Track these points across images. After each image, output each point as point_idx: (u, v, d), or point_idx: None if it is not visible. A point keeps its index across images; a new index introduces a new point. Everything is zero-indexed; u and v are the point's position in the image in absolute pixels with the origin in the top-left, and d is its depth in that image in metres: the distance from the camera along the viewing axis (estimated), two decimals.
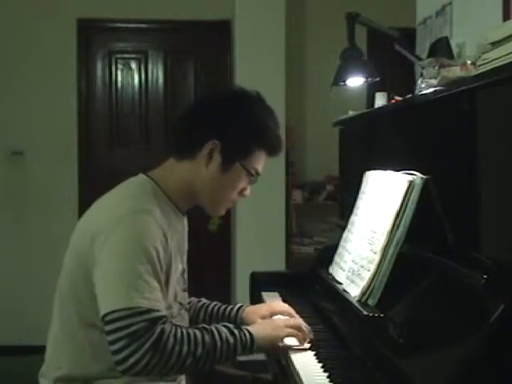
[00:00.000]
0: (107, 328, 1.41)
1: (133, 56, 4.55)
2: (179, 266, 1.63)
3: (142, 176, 1.64)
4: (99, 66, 4.52)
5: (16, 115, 4.37)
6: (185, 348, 1.45)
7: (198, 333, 1.50)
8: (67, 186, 4.37)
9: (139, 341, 1.39)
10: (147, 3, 4.43)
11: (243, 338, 1.54)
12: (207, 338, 1.49)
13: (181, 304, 1.67)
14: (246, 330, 1.57)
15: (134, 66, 4.55)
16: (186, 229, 1.77)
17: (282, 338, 1.62)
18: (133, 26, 4.56)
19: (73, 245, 1.59)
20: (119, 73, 4.54)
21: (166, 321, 1.46)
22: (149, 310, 1.41)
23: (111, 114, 4.51)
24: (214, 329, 1.53)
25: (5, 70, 4.35)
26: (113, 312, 1.41)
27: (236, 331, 1.55)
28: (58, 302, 1.61)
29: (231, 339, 1.52)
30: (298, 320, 1.73)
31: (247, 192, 1.67)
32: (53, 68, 4.37)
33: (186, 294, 1.73)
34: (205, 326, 1.55)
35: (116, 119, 4.52)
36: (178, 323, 1.57)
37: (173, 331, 1.45)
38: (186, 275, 1.71)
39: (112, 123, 4.51)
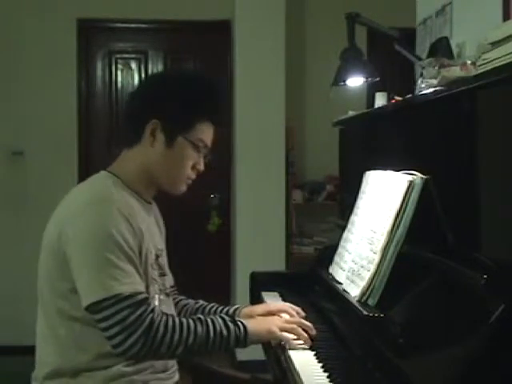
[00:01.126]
0: (95, 317, 1.46)
1: (133, 56, 4.55)
2: (153, 252, 1.64)
3: (102, 172, 1.67)
4: (99, 65, 4.52)
5: (16, 115, 4.37)
6: (176, 337, 1.49)
7: (191, 323, 1.53)
8: (67, 186, 4.34)
9: (130, 328, 1.44)
10: (147, 3, 4.43)
11: (237, 331, 1.57)
12: (200, 328, 1.53)
13: (160, 290, 1.67)
14: (241, 323, 1.59)
15: (134, 66, 4.55)
16: (159, 216, 1.80)
17: (277, 335, 1.63)
18: (133, 25, 4.56)
19: (44, 242, 1.61)
20: (119, 73, 4.54)
21: (154, 307, 1.50)
22: (131, 295, 1.45)
23: (111, 113, 4.51)
24: (208, 320, 1.56)
25: (5, 70, 4.35)
26: (95, 303, 1.45)
27: (231, 324, 1.57)
28: (39, 299, 1.62)
29: (225, 332, 1.55)
30: (296, 319, 1.73)
31: (201, 167, 1.69)
32: (53, 68, 4.37)
33: (165, 278, 1.73)
34: (200, 316, 1.58)
35: (116, 119, 4.51)
36: (159, 307, 1.60)
37: (163, 320, 1.49)
38: (161, 261, 1.71)
39: (112, 123, 4.50)
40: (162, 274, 1.70)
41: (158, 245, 1.72)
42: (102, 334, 1.47)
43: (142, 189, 1.67)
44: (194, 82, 1.71)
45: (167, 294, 1.72)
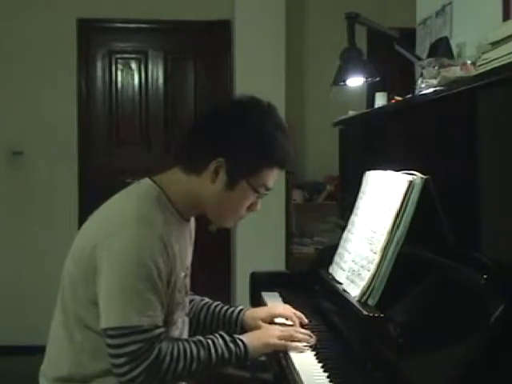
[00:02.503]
0: (108, 341, 1.45)
1: (133, 56, 4.55)
2: (181, 273, 1.63)
3: (147, 181, 1.61)
4: (99, 65, 4.52)
5: (16, 115, 4.37)
6: (180, 365, 1.50)
7: (194, 348, 1.53)
8: (67, 186, 4.37)
9: (137, 361, 1.44)
10: (147, 3, 4.43)
11: (238, 352, 1.57)
12: (203, 353, 1.53)
13: (184, 311, 1.68)
14: (242, 342, 1.59)
15: (134, 66, 4.55)
16: (193, 234, 1.77)
17: (276, 346, 1.63)
18: (133, 25, 4.56)
19: (74, 249, 1.58)
20: (119, 73, 4.54)
21: (165, 337, 1.49)
22: (148, 329, 1.45)
23: (111, 113, 4.51)
24: (210, 343, 1.56)
25: (5, 70, 4.35)
26: (113, 329, 1.44)
27: (231, 345, 1.57)
28: (59, 302, 1.61)
29: (226, 354, 1.56)
30: (295, 328, 1.73)
31: (257, 207, 1.64)
32: (53, 68, 4.37)
33: (188, 298, 1.73)
34: (201, 339, 1.57)
35: (116, 119, 4.52)
36: (181, 330, 1.62)
37: (169, 349, 1.49)
38: (187, 280, 1.71)
39: (112, 123, 4.51)
40: (186, 293, 1.70)
41: (188, 263, 1.70)
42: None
43: (185, 209, 1.62)
44: (267, 123, 1.59)
45: (187, 314, 1.72)
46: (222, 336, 1.59)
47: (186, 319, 1.71)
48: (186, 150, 1.63)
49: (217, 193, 1.57)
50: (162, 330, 1.48)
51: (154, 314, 1.46)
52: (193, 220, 1.75)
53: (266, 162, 1.58)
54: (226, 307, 1.87)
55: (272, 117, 1.62)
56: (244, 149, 1.55)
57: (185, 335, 1.68)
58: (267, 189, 1.61)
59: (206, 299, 1.91)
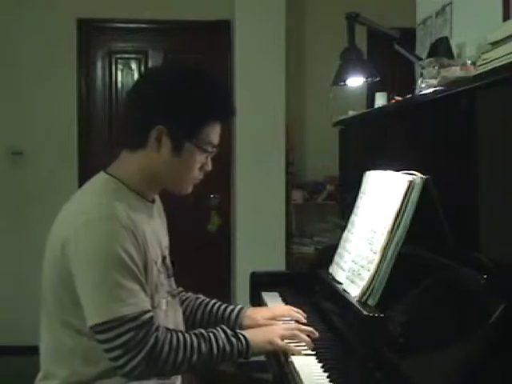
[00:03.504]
0: (98, 337, 1.44)
1: (133, 56, 4.55)
2: (158, 254, 1.61)
3: (102, 174, 1.60)
4: (99, 65, 4.52)
5: (16, 115, 4.37)
6: (180, 355, 1.48)
7: (194, 340, 1.51)
8: (67, 186, 4.36)
9: (133, 351, 1.42)
10: (147, 3, 4.43)
11: (239, 346, 1.56)
12: (203, 346, 1.51)
13: (168, 292, 1.65)
14: (244, 337, 1.58)
15: (134, 66, 4.55)
16: (162, 213, 1.76)
17: (279, 346, 1.62)
18: (133, 26, 4.56)
19: (47, 252, 1.58)
20: (119, 73, 4.54)
21: (158, 326, 1.47)
22: (135, 317, 1.43)
23: (111, 113, 4.50)
24: (211, 336, 1.54)
25: (5, 70, 4.35)
26: (100, 324, 1.42)
27: (233, 339, 1.56)
28: (43, 312, 1.59)
29: (228, 348, 1.54)
30: (297, 326, 1.72)
31: (208, 167, 1.62)
32: (53, 68, 4.37)
33: (172, 279, 1.71)
34: (202, 331, 1.55)
35: (116, 119, 4.51)
36: (166, 312, 1.59)
37: (167, 338, 1.47)
38: (168, 261, 1.69)
39: (112, 123, 4.50)
40: (169, 276, 1.68)
41: (163, 244, 1.68)
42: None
43: (145, 190, 1.61)
44: (199, 81, 1.59)
45: (174, 296, 1.69)
46: (223, 329, 1.58)
47: (172, 300, 1.67)
48: (125, 129, 1.63)
49: (165, 161, 1.55)
50: (150, 314, 1.46)
51: (137, 301, 1.44)
52: (158, 200, 1.73)
53: (205, 118, 1.57)
54: (223, 306, 1.85)
55: (201, 73, 1.62)
56: (180, 111, 1.54)
57: (171, 316, 1.64)
58: (213, 146, 1.60)
59: (202, 297, 1.90)
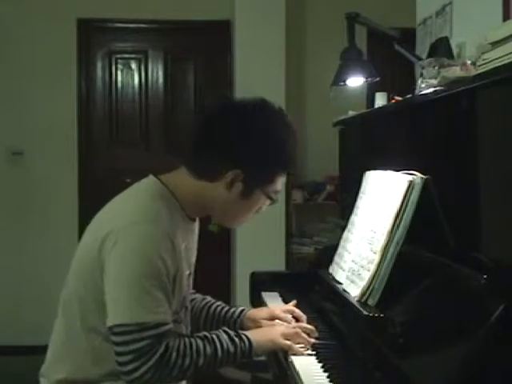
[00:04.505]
0: (114, 339, 1.44)
1: (133, 56, 4.55)
2: (186, 271, 1.63)
3: (153, 179, 1.60)
4: (99, 65, 4.52)
5: (16, 115, 4.37)
6: (187, 360, 1.49)
7: (200, 343, 1.52)
8: (67, 186, 4.37)
9: (144, 357, 1.43)
10: (147, 3, 4.43)
11: (243, 346, 1.57)
12: (208, 348, 1.52)
13: (186, 307, 1.68)
14: (246, 337, 1.58)
15: (133, 66, 4.55)
16: (197, 233, 1.77)
17: (281, 345, 1.62)
18: (133, 26, 4.56)
19: (82, 248, 1.58)
20: (119, 73, 4.54)
21: (172, 334, 1.49)
22: (155, 326, 1.44)
23: (111, 113, 4.51)
24: (215, 338, 1.55)
25: (5, 70, 4.35)
26: (120, 325, 1.43)
27: (236, 340, 1.57)
28: (62, 304, 1.60)
29: (232, 348, 1.55)
30: (299, 324, 1.73)
31: (263, 209, 1.67)
32: (53, 68, 4.37)
33: (189, 296, 1.74)
34: (206, 334, 1.57)
35: (116, 119, 4.52)
36: (186, 326, 1.62)
37: (176, 345, 1.48)
38: (191, 278, 1.72)
39: (112, 123, 4.50)
40: (189, 291, 1.71)
41: (192, 261, 1.71)
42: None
43: (191, 209, 1.62)
44: (281, 129, 1.61)
45: (186, 308, 1.71)
46: (225, 331, 1.59)
47: (186, 312, 1.70)
48: (194, 156, 1.61)
49: (231, 200, 1.58)
50: (169, 326, 1.47)
51: (160, 311, 1.45)
52: (197, 220, 1.75)
53: (281, 169, 1.62)
54: (226, 308, 1.87)
55: (284, 122, 1.64)
56: (261, 160, 1.57)
57: (186, 330, 1.67)
58: (277, 193, 1.65)
59: (208, 298, 1.91)
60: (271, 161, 1.59)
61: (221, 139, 1.57)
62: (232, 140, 1.56)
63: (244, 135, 1.56)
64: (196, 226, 1.74)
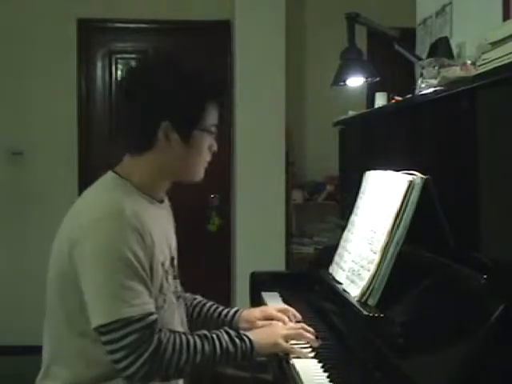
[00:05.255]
0: (102, 339, 1.43)
1: (133, 56, 4.54)
2: (167, 256, 1.61)
3: (111, 174, 1.62)
4: (99, 65, 4.52)
5: (16, 115, 4.37)
6: (183, 357, 1.47)
7: (198, 341, 1.51)
8: (67, 186, 4.36)
9: (137, 351, 1.41)
10: (147, 3, 4.43)
11: (243, 347, 1.55)
12: (207, 346, 1.51)
13: (174, 293, 1.65)
14: (247, 338, 1.57)
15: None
16: (171, 214, 1.76)
17: (284, 348, 1.61)
18: (133, 26, 4.56)
19: (55, 252, 1.57)
20: (119, 73, 4.53)
21: (161, 328, 1.47)
22: (140, 318, 1.42)
23: (111, 113, 4.50)
24: (215, 337, 1.54)
25: (5, 70, 4.35)
26: (104, 325, 1.42)
27: (237, 340, 1.55)
28: (48, 313, 1.59)
29: (231, 348, 1.53)
30: (301, 325, 1.72)
31: (215, 147, 1.66)
32: (53, 68, 4.37)
33: (178, 281, 1.71)
34: (205, 333, 1.55)
35: (116, 119, 4.51)
36: (171, 313, 1.59)
37: (171, 340, 1.47)
38: (175, 262, 1.69)
39: (112, 123, 4.50)
40: (175, 277, 1.68)
41: (172, 248, 1.69)
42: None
43: (155, 190, 1.62)
44: (187, 72, 1.61)
45: (178, 297, 1.69)
46: (226, 331, 1.57)
47: (176, 302, 1.67)
48: (128, 136, 1.64)
49: (178, 154, 1.58)
50: (155, 316, 1.46)
51: (142, 302, 1.44)
52: (167, 201, 1.74)
53: (204, 104, 1.59)
54: (220, 308, 1.86)
55: (186, 64, 1.65)
56: (182, 102, 1.56)
57: (176, 318, 1.64)
58: (215, 125, 1.64)
59: (199, 297, 1.90)
60: (189, 96, 1.57)
61: (138, 106, 1.58)
62: (147, 101, 1.57)
63: (154, 91, 1.57)
64: (166, 207, 1.73)
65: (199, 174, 1.66)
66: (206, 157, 1.65)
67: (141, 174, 1.59)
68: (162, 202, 1.67)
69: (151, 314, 1.45)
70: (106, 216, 1.47)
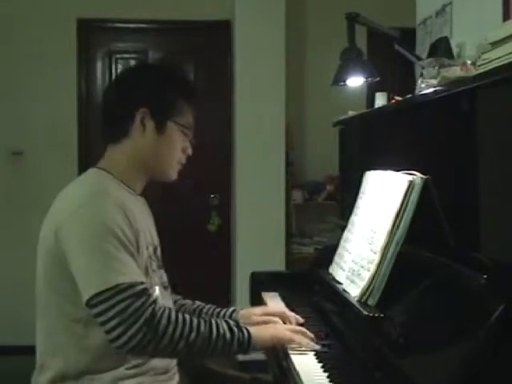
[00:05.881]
0: (94, 311, 1.44)
1: (133, 56, 4.55)
2: (150, 242, 1.64)
3: (92, 169, 1.70)
4: (99, 65, 4.52)
5: (16, 115, 4.37)
6: (178, 331, 1.47)
7: (194, 320, 1.51)
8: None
9: (129, 319, 1.41)
10: (147, 3, 4.43)
11: (241, 336, 1.54)
12: (203, 326, 1.51)
13: (160, 283, 1.67)
14: (246, 329, 1.57)
15: None
16: (148, 209, 1.79)
17: (282, 339, 1.62)
18: (133, 26, 4.56)
19: (41, 242, 1.59)
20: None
21: (155, 299, 1.49)
22: (129, 286, 1.43)
23: None
24: (212, 321, 1.54)
25: (5, 70, 4.35)
26: (95, 296, 1.42)
27: (235, 329, 1.55)
28: (38, 304, 1.60)
29: (228, 335, 1.53)
30: (302, 329, 1.71)
31: (189, 150, 1.72)
32: (53, 68, 4.37)
33: (163, 271, 1.72)
34: (204, 317, 1.57)
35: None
36: (158, 297, 1.59)
37: (166, 312, 1.47)
38: (159, 253, 1.71)
39: None
40: (160, 267, 1.70)
41: (154, 238, 1.71)
42: (103, 335, 1.44)
43: (133, 180, 1.68)
44: (165, 67, 1.81)
45: (165, 288, 1.71)
46: (226, 320, 1.58)
47: (165, 291, 1.69)
48: (106, 124, 1.76)
49: (150, 142, 1.65)
50: (144, 285, 1.47)
51: (130, 271, 1.45)
52: (143, 198, 1.77)
53: (179, 97, 1.69)
54: (218, 309, 1.86)
55: (164, 64, 1.91)
56: (161, 90, 1.67)
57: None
58: (191, 128, 1.72)
59: (198, 302, 1.90)
60: (169, 89, 1.68)
61: (115, 94, 1.74)
62: (127, 85, 1.72)
63: (137, 77, 1.74)
64: (144, 202, 1.77)
65: (171, 170, 1.71)
66: (179, 155, 1.70)
67: (118, 162, 1.67)
68: (140, 195, 1.72)
69: (141, 282, 1.46)
70: (90, 194, 1.54)
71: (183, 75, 1.85)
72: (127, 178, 1.66)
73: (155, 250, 1.68)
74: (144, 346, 1.43)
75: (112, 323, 1.42)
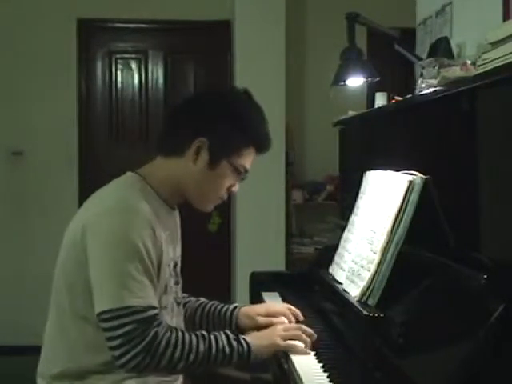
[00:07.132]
0: (103, 325, 1.45)
1: (133, 56, 4.55)
2: (171, 259, 1.64)
3: (130, 173, 1.65)
4: (99, 65, 4.52)
5: (16, 115, 4.37)
6: (177, 353, 1.48)
7: (193, 339, 1.52)
8: (67, 186, 4.37)
9: (132, 342, 1.43)
10: (147, 3, 4.43)
11: (240, 349, 1.55)
12: (202, 345, 1.52)
13: (174, 298, 1.68)
14: (245, 341, 1.57)
15: (133, 66, 4.55)
16: (178, 223, 1.78)
17: (281, 347, 1.62)
18: (133, 26, 4.56)
19: (66, 239, 1.60)
20: (119, 73, 4.54)
21: (161, 322, 1.49)
22: (142, 310, 1.44)
23: (111, 114, 4.51)
24: (212, 337, 1.55)
25: (5, 70, 4.35)
26: (107, 311, 1.44)
27: (234, 342, 1.55)
28: (53, 297, 1.62)
29: (227, 349, 1.54)
30: (296, 325, 1.72)
31: (235, 188, 1.69)
32: (53, 68, 4.37)
33: (179, 286, 1.73)
34: (203, 332, 1.56)
35: (116, 119, 4.52)
36: (171, 317, 1.61)
37: (166, 335, 1.48)
38: (178, 269, 1.72)
39: (112, 123, 4.50)
40: (177, 282, 1.70)
41: (177, 251, 1.72)
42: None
43: (169, 197, 1.65)
44: (245, 106, 1.69)
45: (179, 304, 1.71)
46: (225, 333, 1.58)
47: (177, 308, 1.70)
48: (166, 136, 1.68)
49: (198, 173, 1.61)
50: (156, 311, 1.48)
51: (146, 295, 1.46)
52: (177, 212, 1.77)
53: (245, 142, 1.65)
54: (220, 306, 1.87)
55: (251, 101, 1.71)
56: (225, 129, 1.61)
57: (174, 322, 1.66)
58: (245, 170, 1.67)
59: (202, 299, 1.91)
60: (234, 130, 1.62)
61: (187, 113, 1.66)
62: (196, 111, 1.65)
63: (208, 106, 1.65)
64: (176, 215, 1.76)
65: (208, 204, 1.69)
66: (222, 192, 1.67)
67: (160, 176, 1.63)
68: (174, 209, 1.71)
69: (153, 308, 1.48)
70: (121, 207, 1.51)
71: (259, 115, 1.73)
72: (163, 191, 1.63)
73: (175, 265, 1.69)
74: (144, 366, 1.46)
75: (116, 342, 1.44)
